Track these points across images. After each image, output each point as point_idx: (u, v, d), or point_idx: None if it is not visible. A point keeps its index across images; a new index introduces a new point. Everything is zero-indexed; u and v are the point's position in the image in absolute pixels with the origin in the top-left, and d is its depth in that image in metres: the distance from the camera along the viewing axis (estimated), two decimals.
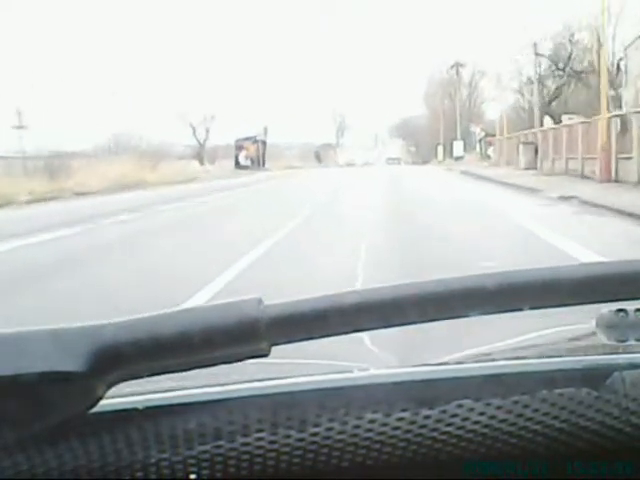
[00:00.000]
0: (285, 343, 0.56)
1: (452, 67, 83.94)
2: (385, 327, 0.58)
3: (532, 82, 67.25)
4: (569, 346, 0.96)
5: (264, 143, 58.70)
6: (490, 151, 62.76)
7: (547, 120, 40.41)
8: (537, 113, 51.81)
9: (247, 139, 58.74)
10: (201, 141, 67.89)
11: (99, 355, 0.53)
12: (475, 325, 0.67)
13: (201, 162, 60.57)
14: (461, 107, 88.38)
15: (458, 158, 75.94)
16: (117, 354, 0.53)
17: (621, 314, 0.83)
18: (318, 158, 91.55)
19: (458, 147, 78.17)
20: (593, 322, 0.86)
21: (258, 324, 0.54)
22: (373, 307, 0.56)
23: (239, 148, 58.31)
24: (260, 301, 0.55)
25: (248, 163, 56.35)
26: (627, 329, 0.82)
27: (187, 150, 64.82)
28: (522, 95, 76.33)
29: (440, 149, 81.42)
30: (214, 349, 0.55)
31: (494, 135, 63.94)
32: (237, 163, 56.80)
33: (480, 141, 63.24)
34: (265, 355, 0.55)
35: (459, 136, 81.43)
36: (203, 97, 67.74)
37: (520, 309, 0.59)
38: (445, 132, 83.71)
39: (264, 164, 58.01)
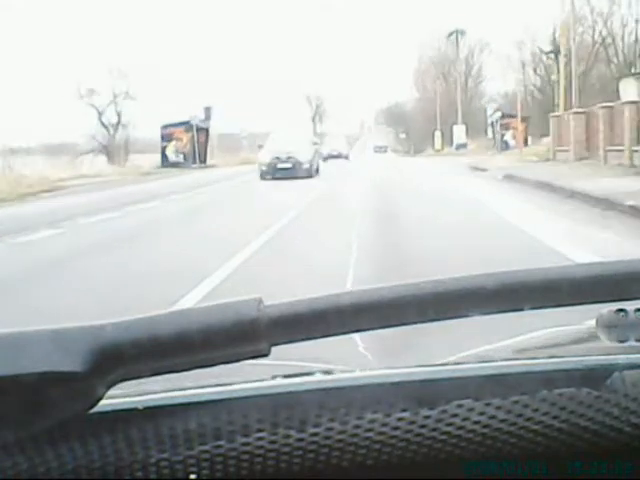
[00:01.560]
0: (285, 343, 0.57)
1: (450, 35, 69.16)
2: (385, 327, 0.58)
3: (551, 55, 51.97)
4: (569, 346, 0.97)
5: (205, 130, 42.91)
6: (508, 137, 47.30)
7: (628, 85, 25.02)
8: (575, 84, 35.90)
9: (178, 125, 41.05)
10: (111, 129, 48.04)
11: (99, 355, 0.53)
12: (475, 325, 0.67)
13: (111, 158, 44.07)
14: (458, 86, 73.47)
15: (460, 146, 61.29)
16: (117, 354, 0.53)
17: (621, 314, 0.83)
18: None
19: (459, 133, 63.47)
20: (593, 322, 0.87)
21: (258, 324, 0.55)
22: (373, 307, 0.57)
23: (167, 137, 40.74)
24: (260, 301, 0.56)
25: (179, 159, 40.18)
26: (627, 329, 0.83)
27: (94, 143, 46.25)
28: (536, 69, 60.71)
29: (438, 135, 66.61)
30: (214, 349, 0.55)
31: (513, 116, 48.02)
32: (164, 159, 40.31)
33: (493, 124, 48.24)
34: (265, 355, 0.56)
35: (460, 119, 66.74)
36: (121, 71, 48.68)
37: (520, 309, 0.60)
38: (441, 116, 69.17)
39: (205, 159, 42.65)
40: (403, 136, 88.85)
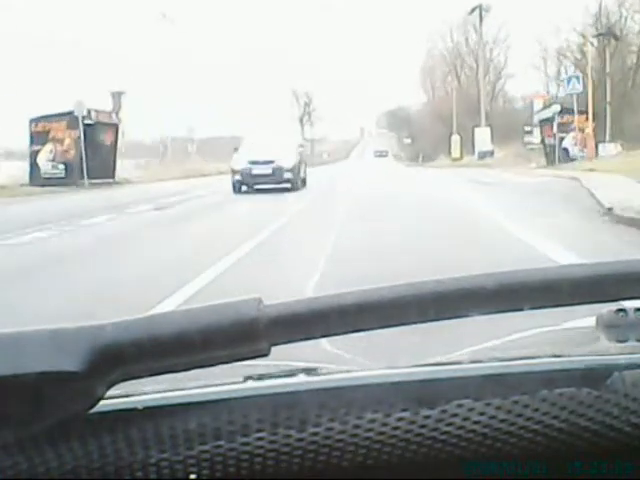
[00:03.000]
0: (285, 343, 0.57)
1: (472, 11, 54.73)
2: (385, 327, 0.58)
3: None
4: (569, 346, 0.97)
5: (111, 128, 26.94)
6: (569, 141, 32.21)
7: None
8: None
9: (55, 117, 25.17)
10: None
11: (99, 355, 0.53)
12: (475, 325, 0.67)
13: None
14: (473, 85, 59.42)
15: (484, 154, 46.68)
16: (117, 354, 0.54)
17: (621, 314, 0.84)
18: None
19: (483, 137, 49.21)
20: (593, 322, 0.87)
21: (258, 324, 0.55)
22: (373, 307, 0.57)
23: (39, 138, 25.12)
24: (260, 301, 0.56)
25: (58, 171, 24.89)
26: (627, 329, 0.83)
27: None
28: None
29: (455, 140, 52.11)
30: (214, 349, 0.55)
31: (581, 112, 32.66)
32: (33, 171, 25.17)
33: (544, 124, 33.51)
34: (265, 355, 0.56)
35: (483, 120, 52.39)
36: None
37: (520, 309, 0.60)
38: (457, 117, 55.00)
39: (112, 172, 26.71)
40: (408, 141, 75.57)
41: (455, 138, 50.60)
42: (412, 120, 74.14)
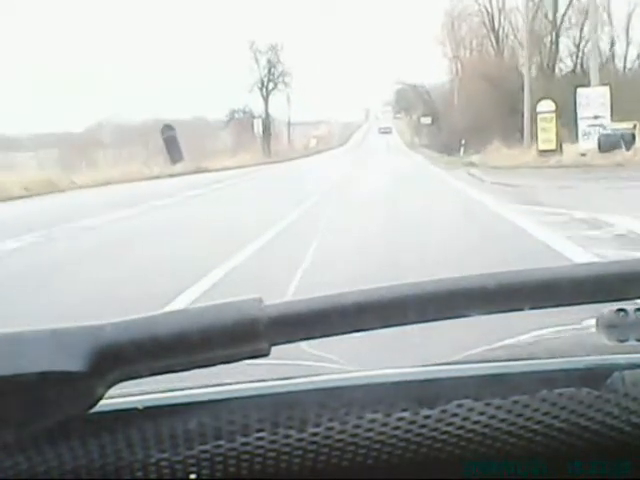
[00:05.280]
0: (285, 343, 0.57)
1: None
2: (385, 327, 0.58)
3: None
4: (569, 346, 0.97)
5: None
6: None
7: None
8: None
9: None
10: None
11: (99, 355, 0.53)
12: (475, 325, 0.68)
13: None
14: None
15: (614, 143, 18.89)
16: (117, 354, 0.54)
17: (621, 314, 0.84)
18: (172, 152, 34.01)
19: (600, 105, 22.88)
20: (593, 322, 0.88)
21: (258, 324, 0.55)
22: (373, 307, 0.57)
23: None
24: (260, 301, 0.56)
25: None
26: (627, 329, 0.83)
27: None
28: None
29: (545, 114, 26.56)
30: (214, 349, 0.55)
31: None
32: None
33: None
34: (265, 355, 0.56)
35: (595, 76, 26.04)
36: None
37: (520, 309, 0.60)
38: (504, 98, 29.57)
39: None
40: (427, 122, 50.98)
41: (546, 106, 25.68)
42: (433, 93, 50.33)
